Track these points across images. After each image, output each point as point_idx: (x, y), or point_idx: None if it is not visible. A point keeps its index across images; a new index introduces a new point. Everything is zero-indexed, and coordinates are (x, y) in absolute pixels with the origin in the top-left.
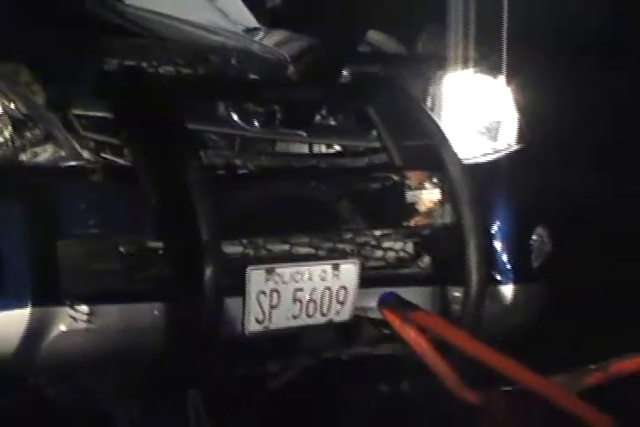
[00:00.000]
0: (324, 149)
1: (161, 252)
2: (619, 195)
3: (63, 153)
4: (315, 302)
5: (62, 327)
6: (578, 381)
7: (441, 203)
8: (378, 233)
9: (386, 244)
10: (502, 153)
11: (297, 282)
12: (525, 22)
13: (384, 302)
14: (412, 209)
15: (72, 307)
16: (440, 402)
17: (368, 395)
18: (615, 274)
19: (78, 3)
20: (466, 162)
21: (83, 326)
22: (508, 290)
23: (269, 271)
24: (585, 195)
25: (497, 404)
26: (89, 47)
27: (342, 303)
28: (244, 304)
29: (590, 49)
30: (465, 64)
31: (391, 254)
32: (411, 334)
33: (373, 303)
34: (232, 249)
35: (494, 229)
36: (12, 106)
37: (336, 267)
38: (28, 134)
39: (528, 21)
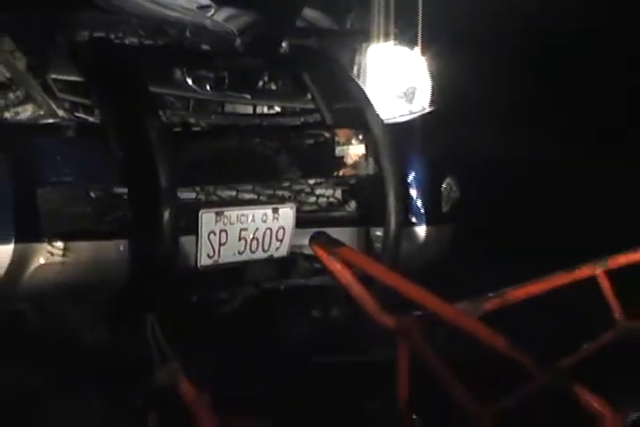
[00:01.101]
0: (265, 110)
1: (125, 197)
2: (526, 149)
3: (41, 112)
4: (257, 240)
5: (41, 260)
6: (478, 307)
7: (365, 156)
8: (311, 182)
9: (318, 191)
10: (417, 114)
11: (242, 223)
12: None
13: (315, 240)
14: (340, 161)
15: (50, 243)
16: (361, 325)
17: (302, 319)
18: (516, 219)
19: None
20: (386, 122)
21: (58, 259)
22: (421, 230)
23: (218, 214)
24: (493, 150)
25: (410, 326)
26: (65, 20)
27: (281, 241)
28: (197, 242)
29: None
30: (386, 38)
31: (322, 200)
32: (337, 268)
33: (306, 241)
34: (187, 195)
35: (410, 178)
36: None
37: (276, 210)
38: (11, 96)
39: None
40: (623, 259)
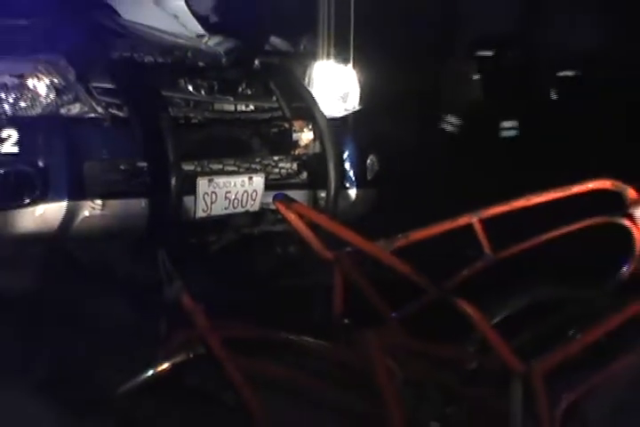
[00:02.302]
0: (243, 108)
1: (145, 168)
2: (425, 136)
3: (86, 109)
4: (238, 199)
5: (86, 213)
6: (391, 244)
7: (313, 140)
8: (275, 158)
9: (280, 164)
10: (350, 111)
11: (227, 187)
12: (370, 28)
13: (277, 199)
14: (296, 144)
15: (92, 201)
16: (306, 258)
17: (269, 254)
18: (421, 183)
19: (98, 17)
20: (328, 116)
21: (98, 212)
22: (352, 192)
23: (210, 181)
24: (403, 136)
25: (343, 258)
26: (102, 45)
27: (254, 200)
28: (194, 200)
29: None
30: (328, 57)
31: (283, 171)
32: (292, 218)
33: (271, 200)
34: (188, 167)
35: (344, 156)
36: (55, 80)
37: (250, 178)
38: (65, 98)
39: (372, 28)
40: (492, 210)
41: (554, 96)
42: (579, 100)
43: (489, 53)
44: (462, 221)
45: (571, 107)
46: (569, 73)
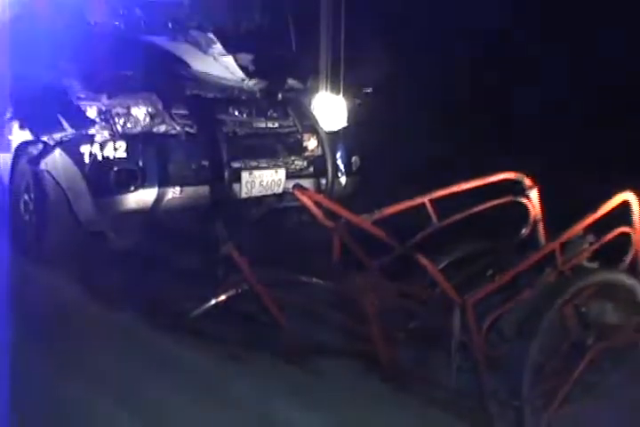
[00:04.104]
0: (270, 125)
1: (208, 166)
2: (393, 147)
3: (169, 128)
4: (268, 185)
5: (169, 196)
6: (370, 217)
7: (317, 146)
8: (292, 158)
9: (295, 162)
10: (340, 127)
11: (260, 177)
12: (354, 72)
13: (294, 186)
14: (305, 148)
15: (173, 188)
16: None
17: (293, 222)
18: (391, 174)
19: (176, 68)
20: (327, 130)
21: (177, 195)
22: (343, 180)
23: (250, 173)
24: (378, 145)
25: (339, 226)
26: (180, 86)
27: (279, 186)
28: (239, 186)
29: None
30: (326, 91)
31: (297, 166)
32: (305, 199)
33: (290, 186)
34: (235, 164)
35: (337, 156)
36: (150, 109)
37: (276, 171)
38: (156, 120)
39: (355, 72)
40: (437, 193)
41: None
42: None
43: None
44: (419, 200)
45: None
46: None
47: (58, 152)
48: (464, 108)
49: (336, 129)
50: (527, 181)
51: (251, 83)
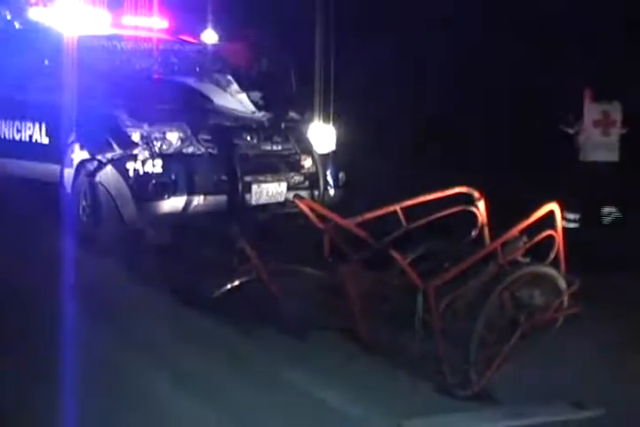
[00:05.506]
0: (275, 148)
1: (226, 180)
2: (373, 165)
3: (196, 149)
4: (273, 194)
5: (195, 202)
6: (354, 220)
7: (311, 165)
8: (292, 174)
9: (294, 177)
10: (330, 150)
11: (267, 189)
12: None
13: (294, 196)
14: (302, 167)
15: (198, 195)
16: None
17: (293, 224)
18: (372, 187)
19: (200, 102)
20: (319, 152)
21: (202, 202)
22: (332, 192)
23: (259, 185)
24: (360, 165)
25: (330, 227)
26: (204, 116)
27: (281, 196)
28: (250, 195)
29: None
30: (318, 120)
31: (296, 180)
32: (302, 206)
33: (291, 195)
34: (247, 178)
35: (328, 173)
36: (181, 135)
37: (279, 184)
38: (185, 143)
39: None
40: (406, 203)
41: None
42: None
43: None
44: (392, 208)
45: None
46: None
47: (109, 168)
48: (420, 133)
49: (327, 151)
50: (476, 194)
51: (260, 114)
